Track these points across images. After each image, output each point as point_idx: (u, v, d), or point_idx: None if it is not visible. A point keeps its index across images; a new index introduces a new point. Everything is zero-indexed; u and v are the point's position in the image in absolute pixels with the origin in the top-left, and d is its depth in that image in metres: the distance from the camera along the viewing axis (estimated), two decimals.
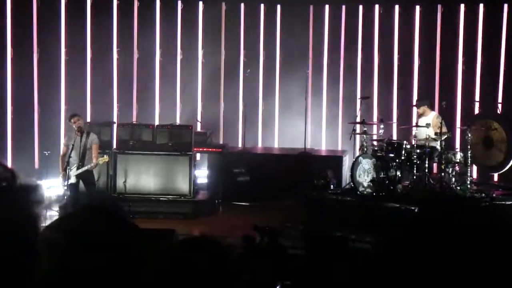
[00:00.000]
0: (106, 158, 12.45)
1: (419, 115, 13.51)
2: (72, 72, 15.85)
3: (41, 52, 15.69)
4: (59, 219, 2.11)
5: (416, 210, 11.31)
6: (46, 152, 14.54)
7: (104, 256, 1.92)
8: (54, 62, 15.75)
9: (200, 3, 16.33)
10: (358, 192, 12.80)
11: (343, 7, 16.26)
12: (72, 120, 12.08)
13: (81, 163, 11.95)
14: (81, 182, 12.13)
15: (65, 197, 11.88)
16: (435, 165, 13.69)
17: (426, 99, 14.07)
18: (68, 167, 11.83)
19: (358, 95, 15.85)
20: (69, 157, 11.83)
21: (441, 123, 12.67)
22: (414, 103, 14.13)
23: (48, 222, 2.15)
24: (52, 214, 10.97)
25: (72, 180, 11.87)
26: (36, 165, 15.55)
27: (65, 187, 11.86)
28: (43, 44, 15.70)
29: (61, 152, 12.27)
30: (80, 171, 11.94)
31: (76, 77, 15.83)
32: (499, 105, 14.80)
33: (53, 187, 13.20)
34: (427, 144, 12.74)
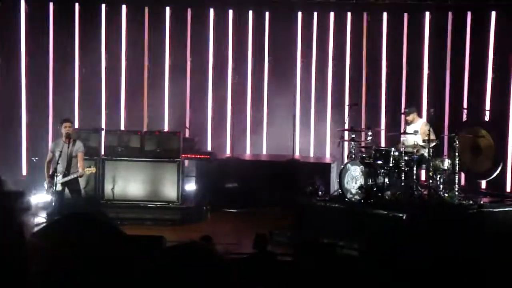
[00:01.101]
0: (93, 169, 12.23)
1: (408, 122, 13.53)
2: (60, 79, 15.82)
3: (29, 59, 15.66)
4: (45, 227, 2.10)
5: (404, 217, 11.32)
6: (34, 159, 14.51)
7: (90, 262, 1.91)
8: (42, 69, 15.72)
9: (189, 10, 16.31)
10: (346, 199, 12.80)
11: (332, 14, 16.29)
12: (63, 125, 11.94)
13: (67, 171, 11.83)
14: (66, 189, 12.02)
15: (52, 204, 11.80)
16: (423, 172, 13.72)
17: (414, 106, 14.10)
18: (55, 174, 11.74)
19: (347, 102, 15.88)
20: (57, 163, 11.74)
21: (429, 130, 12.70)
22: (403, 110, 14.14)
23: (35, 229, 2.14)
24: (39, 221, 10.91)
25: (58, 187, 11.75)
26: (24, 172, 15.49)
27: (51, 194, 11.77)
28: (31, 51, 15.68)
29: (47, 158, 12.16)
30: (66, 179, 11.82)
31: (64, 83, 15.79)
32: (487, 112, 14.85)
33: (40, 194, 13.13)
34: (415, 151, 12.77)
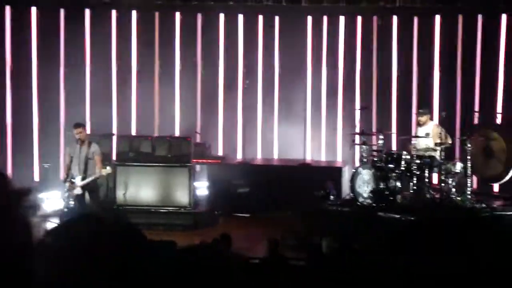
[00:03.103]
0: (109, 169, 12.41)
1: (420, 124, 13.48)
2: (71, 84, 15.87)
3: (41, 64, 15.73)
4: (59, 225, 2.10)
5: (415, 221, 11.28)
6: (46, 165, 14.55)
7: (106, 262, 1.91)
8: (53, 74, 15.77)
9: (199, 14, 16.34)
10: (358, 203, 12.80)
11: (341, 18, 16.27)
12: (75, 131, 12.08)
13: (85, 173, 11.97)
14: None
15: (66, 210, 11.86)
16: (435, 175, 13.68)
17: (429, 108, 14.09)
18: (68, 179, 11.87)
19: (357, 106, 15.85)
20: (69, 169, 11.88)
21: (440, 133, 12.68)
22: (417, 111, 14.08)
23: (45, 228, 2.15)
24: (51, 223, 10.93)
25: (78, 191, 11.90)
26: (36, 178, 15.54)
27: (67, 199, 11.88)
28: (42, 57, 15.75)
29: (66, 162, 12.30)
30: (85, 181, 11.96)
31: (75, 89, 15.85)
32: (499, 115, 14.80)
33: (53, 200, 13.17)
34: (426, 155, 12.74)
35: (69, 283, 1.89)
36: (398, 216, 11.73)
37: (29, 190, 2.31)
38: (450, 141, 12.97)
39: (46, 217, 12.57)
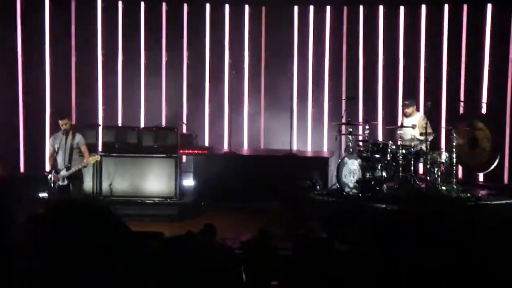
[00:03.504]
0: (97, 157, 12.38)
1: (406, 115, 13.52)
2: (57, 74, 15.80)
3: (26, 54, 15.64)
4: (43, 213, 2.10)
5: (400, 211, 11.32)
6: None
7: (88, 248, 1.91)
8: (38, 65, 15.69)
9: (185, 5, 16.30)
10: (344, 193, 12.83)
11: (328, 8, 16.27)
12: (61, 122, 12.03)
13: (69, 164, 11.92)
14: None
15: (50, 199, 11.83)
16: (420, 165, 13.73)
17: (414, 99, 14.12)
18: (54, 170, 11.85)
19: (344, 96, 15.87)
20: (54, 159, 11.86)
21: (426, 123, 12.72)
22: (403, 102, 14.11)
23: (30, 216, 2.14)
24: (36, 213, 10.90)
25: (63, 181, 11.86)
26: (22, 169, 15.49)
27: (52, 189, 11.85)
28: (27, 47, 15.65)
29: (49, 153, 12.25)
30: (70, 171, 11.91)
31: (61, 79, 15.78)
32: (484, 105, 14.85)
33: (39, 190, 13.14)
34: (412, 145, 12.79)
35: (52, 269, 1.89)
36: (384, 206, 11.77)
37: (13, 178, 2.30)
38: (431, 136, 12.99)
39: (30, 205, 12.58)
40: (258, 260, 7.05)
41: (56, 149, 11.93)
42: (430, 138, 12.75)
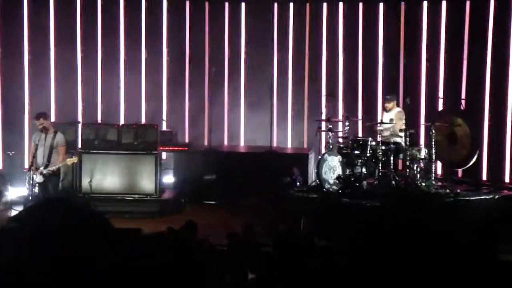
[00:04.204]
0: (74, 159, 12.41)
1: (386, 110, 13.60)
2: (36, 71, 15.71)
3: (4, 50, 15.52)
4: (23, 211, 2.09)
5: (380, 207, 11.38)
6: (9, 153, 14.42)
7: (69, 246, 1.91)
8: (17, 61, 15.59)
9: (165, 1, 16.26)
10: (324, 189, 12.87)
11: (307, 5, 16.30)
12: (37, 122, 12.05)
13: (48, 162, 11.91)
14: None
15: (30, 198, 11.78)
16: (400, 161, 13.80)
17: (396, 95, 14.19)
18: (33, 167, 11.82)
19: (323, 93, 15.92)
20: (33, 156, 11.85)
21: (403, 117, 12.79)
22: (384, 97, 14.16)
23: (10, 215, 2.14)
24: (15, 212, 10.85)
25: (40, 179, 11.83)
26: (0, 166, 15.40)
27: (31, 186, 11.81)
28: (5, 42, 15.54)
29: (32, 150, 12.21)
30: (49, 169, 11.88)
31: (40, 76, 15.69)
32: (463, 101, 14.93)
33: (17, 188, 13.09)
34: (392, 141, 12.85)
35: (34, 269, 1.89)
36: (364, 202, 11.81)
37: None
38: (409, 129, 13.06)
39: (10, 204, 12.54)
40: (242, 255, 7.07)
41: (36, 146, 11.91)
42: (401, 133, 12.79)
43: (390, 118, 13.22)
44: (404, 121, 12.87)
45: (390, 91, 15.05)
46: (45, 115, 12.40)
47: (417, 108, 15.42)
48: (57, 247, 1.93)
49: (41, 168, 11.86)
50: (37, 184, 11.86)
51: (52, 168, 11.91)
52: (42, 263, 1.90)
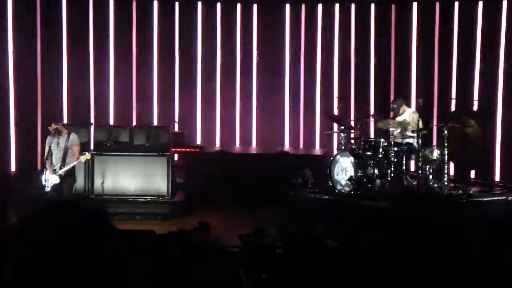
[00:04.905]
0: (88, 155, 12.52)
1: (397, 116, 13.50)
2: (49, 73, 15.74)
3: (17, 52, 15.56)
4: (37, 212, 2.09)
5: (390, 208, 11.34)
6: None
7: (79, 247, 1.91)
8: (30, 63, 15.62)
9: (176, 3, 16.28)
10: (336, 191, 12.84)
11: (319, 6, 16.28)
12: (49, 128, 12.23)
13: (63, 163, 12.03)
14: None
15: (43, 198, 11.85)
16: (412, 162, 13.75)
17: (400, 98, 14.09)
18: (46, 169, 11.96)
19: (335, 94, 15.90)
20: (46, 159, 11.99)
21: (418, 119, 12.72)
22: (391, 106, 14.00)
23: (23, 214, 2.15)
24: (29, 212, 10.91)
25: (56, 180, 11.95)
26: (13, 168, 15.44)
27: (45, 188, 11.93)
28: (18, 45, 15.57)
29: (46, 153, 12.30)
30: (64, 169, 12.00)
31: (53, 78, 15.72)
32: (475, 102, 14.88)
33: (31, 190, 13.12)
34: (404, 142, 12.81)
35: (46, 267, 1.89)
36: (375, 203, 11.78)
37: (6, 177, 2.30)
38: (424, 129, 12.99)
39: (23, 204, 12.56)
40: (255, 256, 7.06)
41: (50, 148, 12.06)
42: (422, 133, 12.72)
43: (404, 119, 13.16)
44: (417, 122, 12.75)
45: (397, 95, 14.96)
46: (55, 119, 12.48)
47: (430, 109, 15.37)
48: (68, 248, 1.94)
49: (57, 169, 11.99)
50: (51, 186, 11.96)
51: (67, 167, 12.02)
52: (51, 262, 1.91)
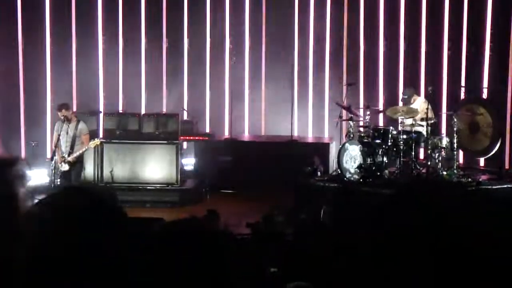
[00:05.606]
0: (97, 141, 12.57)
1: (408, 103, 13.47)
2: (57, 62, 15.77)
3: (26, 42, 15.60)
4: (47, 197, 2.09)
5: (398, 195, 11.31)
6: (32, 142, 14.51)
7: (92, 233, 1.91)
8: (39, 52, 15.66)
9: None
10: (345, 179, 12.83)
11: None
12: (59, 113, 12.25)
13: (72, 150, 12.10)
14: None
15: (53, 186, 11.91)
16: (421, 150, 13.72)
17: (411, 87, 14.06)
18: (55, 156, 12.02)
19: (344, 81, 15.86)
20: (55, 146, 12.07)
21: (427, 108, 12.69)
22: (402, 97, 13.99)
23: (34, 199, 2.15)
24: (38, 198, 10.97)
25: (65, 167, 12.02)
26: (23, 156, 15.48)
27: (54, 176, 11.98)
28: (28, 34, 15.61)
29: (54, 140, 12.39)
30: (72, 156, 12.06)
31: (61, 66, 15.75)
32: (485, 90, 14.83)
33: (39, 177, 13.17)
34: (413, 130, 12.78)
35: (56, 255, 1.89)
36: (384, 191, 11.77)
37: (16, 160, 2.30)
38: (434, 118, 12.96)
39: (33, 190, 12.60)
40: (264, 244, 7.07)
41: (59, 135, 12.12)
42: (431, 122, 12.70)
43: (415, 107, 13.13)
44: (426, 111, 12.71)
45: (407, 84, 14.95)
46: (66, 106, 12.52)
47: (439, 96, 15.33)
48: (78, 235, 1.94)
49: (65, 156, 12.06)
50: (60, 173, 12.02)
51: (76, 154, 12.09)
52: (61, 250, 1.91)
